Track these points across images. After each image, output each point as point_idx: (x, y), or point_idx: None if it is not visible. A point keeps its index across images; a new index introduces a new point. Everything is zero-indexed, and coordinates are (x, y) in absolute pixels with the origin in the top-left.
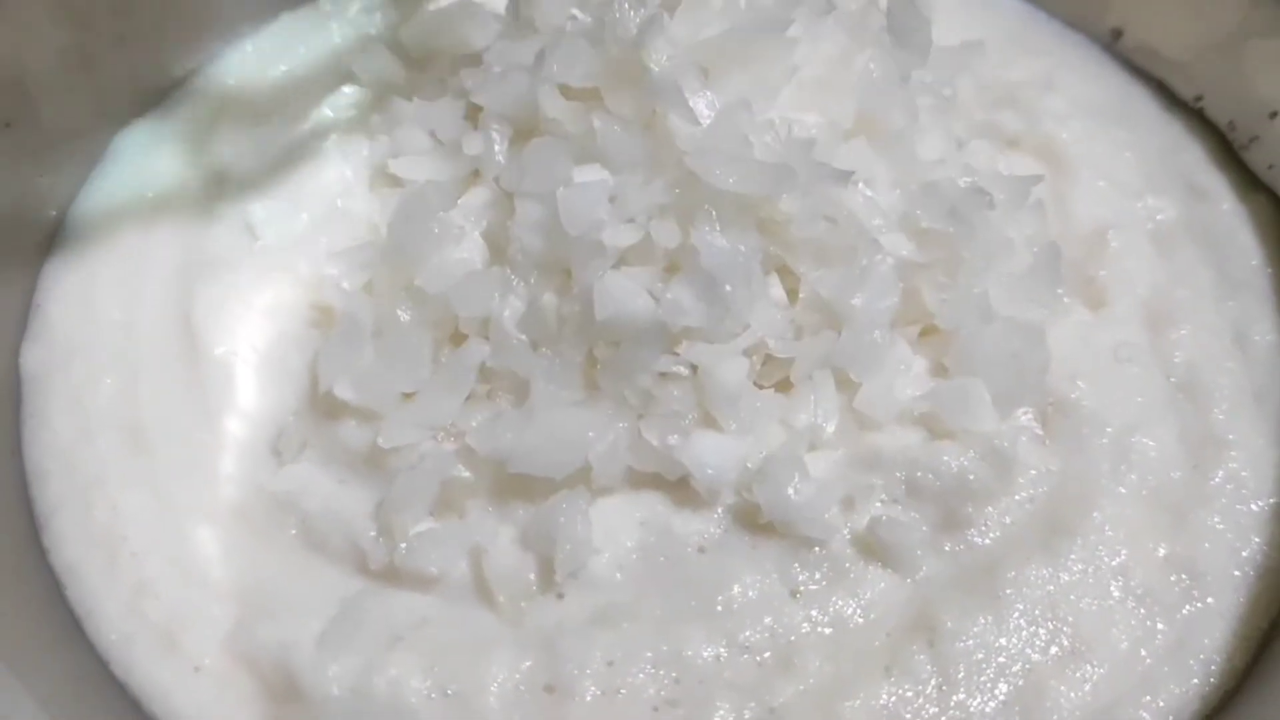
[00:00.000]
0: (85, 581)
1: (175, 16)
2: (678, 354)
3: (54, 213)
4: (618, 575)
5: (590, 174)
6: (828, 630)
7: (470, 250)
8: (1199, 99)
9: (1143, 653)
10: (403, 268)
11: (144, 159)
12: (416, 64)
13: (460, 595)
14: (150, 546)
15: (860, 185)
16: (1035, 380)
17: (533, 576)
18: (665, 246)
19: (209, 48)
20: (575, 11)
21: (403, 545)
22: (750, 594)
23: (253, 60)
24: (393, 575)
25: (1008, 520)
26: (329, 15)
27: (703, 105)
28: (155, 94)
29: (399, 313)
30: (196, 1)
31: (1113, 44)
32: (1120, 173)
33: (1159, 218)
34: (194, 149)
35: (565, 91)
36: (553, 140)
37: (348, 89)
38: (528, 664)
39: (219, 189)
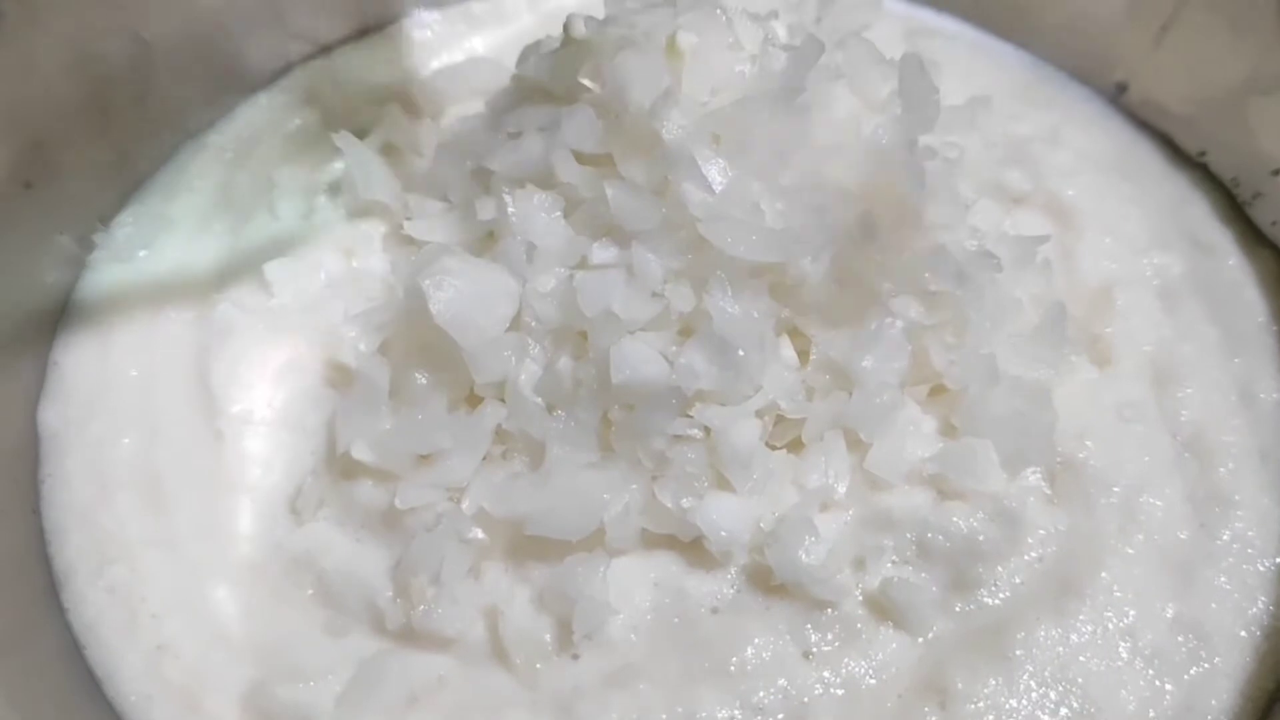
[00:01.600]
0: (105, 642)
1: (192, 72)
2: (691, 416)
3: (72, 270)
4: (632, 636)
5: (605, 254)
6: (840, 691)
7: None
8: (1203, 154)
9: (1151, 714)
10: (419, 330)
11: (161, 215)
12: (429, 117)
13: (477, 656)
14: (170, 607)
15: (869, 249)
16: (1043, 440)
17: (549, 638)
18: (679, 310)
19: (224, 101)
20: (586, 81)
21: (420, 607)
22: (764, 655)
23: (266, 113)
24: (410, 635)
25: (1017, 580)
26: (340, 69)
27: (715, 173)
28: (171, 148)
29: (416, 375)
30: (212, 56)
31: (1118, 98)
32: (1126, 228)
33: (1165, 274)
34: (210, 205)
35: (579, 157)
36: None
37: (362, 143)
38: None
39: (235, 246)
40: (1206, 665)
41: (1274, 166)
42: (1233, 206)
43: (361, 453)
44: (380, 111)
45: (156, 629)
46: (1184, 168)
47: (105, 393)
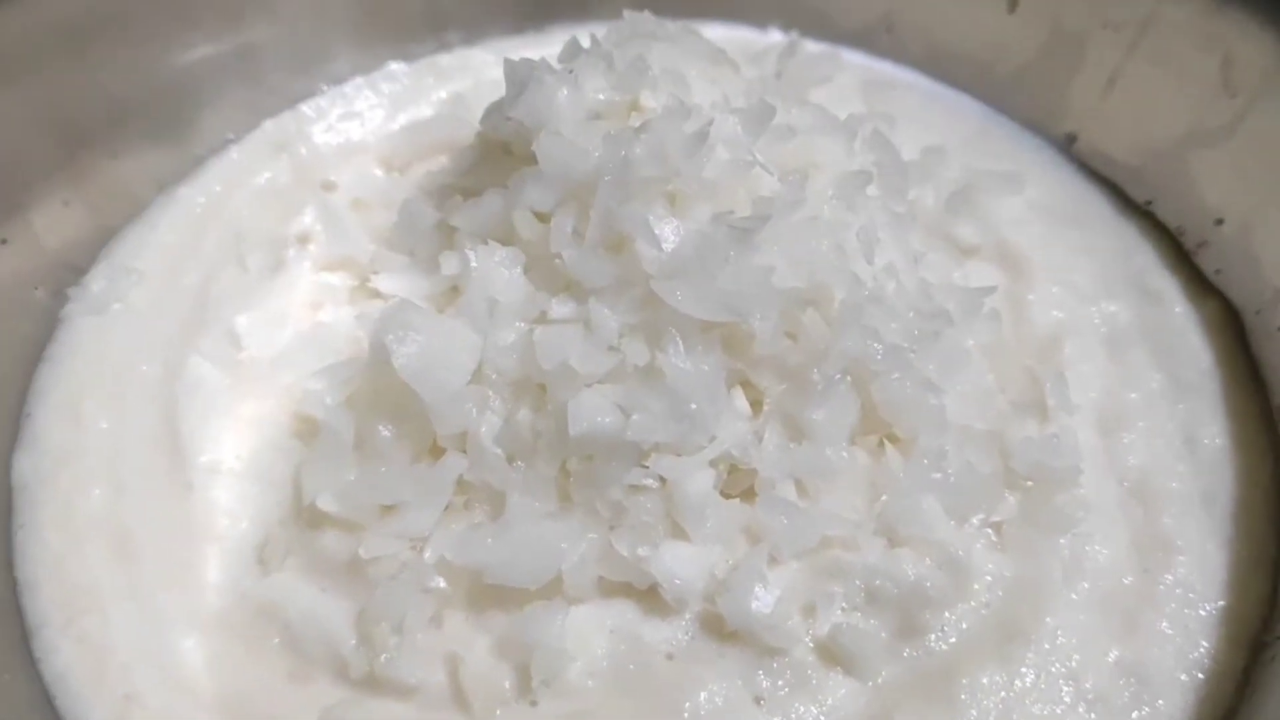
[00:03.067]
0: (74, 691)
1: (165, 128)
2: (647, 467)
3: (46, 323)
4: (589, 683)
5: (564, 309)
6: None
7: None
8: (1150, 203)
9: None
10: (383, 383)
11: (132, 268)
12: (397, 170)
13: (437, 703)
14: (138, 657)
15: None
16: (990, 488)
17: (508, 684)
18: (634, 364)
19: (196, 155)
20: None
21: (383, 655)
22: (716, 701)
23: (237, 167)
24: (372, 684)
25: (964, 626)
26: (311, 121)
27: (668, 231)
28: (144, 201)
29: (380, 428)
30: (185, 112)
31: (1069, 147)
32: (1075, 276)
33: (1112, 322)
34: (181, 258)
35: (539, 215)
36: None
37: (331, 197)
38: None
39: (205, 298)
40: (1148, 709)
41: (1216, 216)
42: (1179, 254)
43: (327, 504)
44: (350, 166)
45: (125, 678)
46: (1133, 216)
47: (76, 444)
